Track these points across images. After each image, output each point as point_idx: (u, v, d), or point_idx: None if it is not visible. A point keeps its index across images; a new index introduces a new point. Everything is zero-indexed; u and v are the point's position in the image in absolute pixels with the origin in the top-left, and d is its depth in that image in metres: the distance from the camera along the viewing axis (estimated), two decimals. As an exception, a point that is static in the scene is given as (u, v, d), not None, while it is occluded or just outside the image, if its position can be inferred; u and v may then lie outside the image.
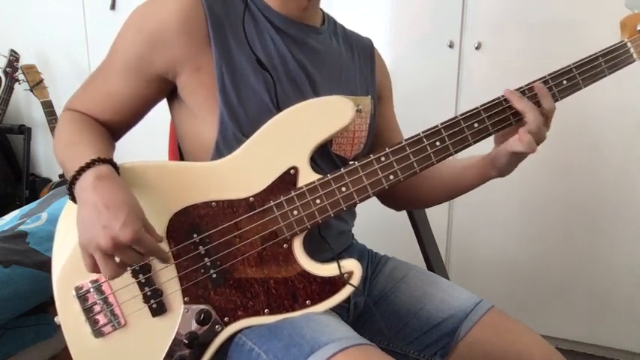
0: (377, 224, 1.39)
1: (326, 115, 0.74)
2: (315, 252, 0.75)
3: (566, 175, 1.61)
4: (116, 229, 0.60)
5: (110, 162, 0.68)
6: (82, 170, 0.66)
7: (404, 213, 1.10)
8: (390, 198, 0.99)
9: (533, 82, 0.77)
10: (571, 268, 1.67)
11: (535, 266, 1.71)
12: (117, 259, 0.63)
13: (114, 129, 0.81)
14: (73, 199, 0.67)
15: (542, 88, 0.76)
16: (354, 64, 0.90)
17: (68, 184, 0.67)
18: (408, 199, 0.97)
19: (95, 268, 0.63)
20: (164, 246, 0.69)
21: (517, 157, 0.78)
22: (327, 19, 0.89)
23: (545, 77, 0.77)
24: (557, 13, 1.51)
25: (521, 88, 0.77)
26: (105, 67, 0.80)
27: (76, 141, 0.74)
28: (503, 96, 0.76)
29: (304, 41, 0.82)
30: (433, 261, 1.14)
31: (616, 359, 1.72)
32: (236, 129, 0.74)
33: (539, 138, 0.75)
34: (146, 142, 1.47)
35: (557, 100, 0.77)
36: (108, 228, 0.61)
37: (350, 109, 0.73)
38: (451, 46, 1.62)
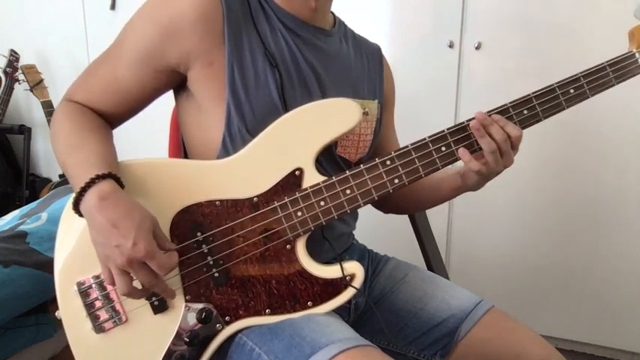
0: (377, 224, 1.39)
1: (333, 117, 0.74)
2: (316, 252, 0.75)
3: (567, 176, 1.61)
4: (128, 247, 0.61)
5: (111, 175, 0.66)
6: (83, 191, 0.65)
7: (404, 213, 1.11)
8: (380, 202, 1.00)
9: (496, 109, 0.76)
10: (571, 268, 1.67)
11: (535, 266, 1.71)
12: (138, 285, 0.64)
13: (114, 119, 0.80)
14: (81, 216, 0.67)
15: (501, 119, 0.74)
16: (362, 68, 0.90)
17: (73, 204, 0.67)
18: (395, 205, 1.00)
19: (114, 281, 0.65)
20: (174, 256, 0.68)
21: (482, 176, 0.77)
22: (337, 23, 0.90)
23: (552, 85, 0.76)
24: (557, 13, 1.51)
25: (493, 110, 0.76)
26: (111, 56, 0.77)
27: (76, 144, 0.72)
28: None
29: (314, 43, 0.82)
30: (433, 261, 1.14)
31: (616, 359, 1.72)
32: (241, 125, 0.74)
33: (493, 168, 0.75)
34: (146, 141, 1.47)
35: (564, 109, 0.77)
36: (120, 247, 0.61)
37: (357, 112, 0.73)
38: (451, 46, 1.62)
